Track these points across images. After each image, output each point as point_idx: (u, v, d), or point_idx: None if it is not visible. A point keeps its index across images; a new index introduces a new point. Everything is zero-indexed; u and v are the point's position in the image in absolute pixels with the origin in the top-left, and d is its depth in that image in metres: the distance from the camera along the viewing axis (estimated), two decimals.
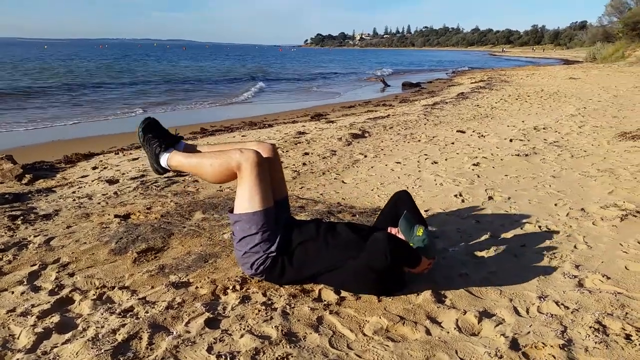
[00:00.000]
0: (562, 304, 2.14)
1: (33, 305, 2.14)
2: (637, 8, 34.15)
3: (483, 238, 3.01)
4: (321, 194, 4.08)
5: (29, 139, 8.23)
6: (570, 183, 4.19)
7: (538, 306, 2.14)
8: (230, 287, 2.32)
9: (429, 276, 2.41)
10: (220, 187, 4.15)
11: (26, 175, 4.59)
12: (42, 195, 4.01)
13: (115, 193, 4.05)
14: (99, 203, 3.76)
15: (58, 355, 1.77)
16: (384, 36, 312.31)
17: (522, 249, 2.83)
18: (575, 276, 2.43)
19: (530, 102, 10.71)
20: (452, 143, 6.29)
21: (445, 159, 5.32)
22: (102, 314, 2.06)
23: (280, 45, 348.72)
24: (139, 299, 2.20)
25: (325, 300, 2.23)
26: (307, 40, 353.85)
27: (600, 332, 1.91)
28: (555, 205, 3.61)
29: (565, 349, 1.80)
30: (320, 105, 13.77)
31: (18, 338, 1.90)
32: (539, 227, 3.17)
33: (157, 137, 2.48)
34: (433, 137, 6.78)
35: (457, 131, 7.19)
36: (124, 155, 6.16)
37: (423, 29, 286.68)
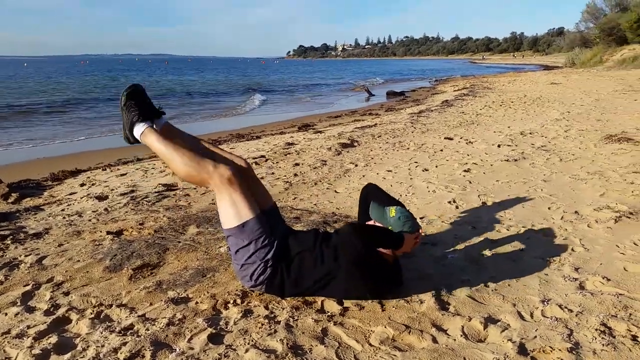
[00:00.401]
0: (566, 307, 2.14)
1: (29, 327, 2.08)
2: (612, 14, 34.91)
3: (481, 243, 3.01)
4: (315, 204, 4.06)
5: (12, 157, 8.09)
6: (562, 186, 4.22)
7: (542, 310, 2.14)
8: (231, 301, 2.28)
9: (430, 283, 2.40)
10: (213, 200, 4.10)
11: (12, 194, 4.50)
12: (30, 214, 3.93)
13: (106, 209, 3.98)
14: (90, 220, 3.69)
15: None
16: (366, 46, 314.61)
17: (520, 254, 2.83)
18: (576, 279, 2.43)
19: (515, 108, 10.83)
20: (441, 150, 6.32)
21: (436, 166, 5.34)
22: (101, 333, 2.01)
23: (262, 58, 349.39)
24: (138, 316, 2.15)
25: (328, 312, 2.20)
26: (289, 52, 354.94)
27: (606, 334, 1.91)
28: (549, 208, 3.63)
29: (574, 352, 1.80)
30: (307, 115, 13.78)
31: None
32: (535, 231, 3.19)
33: (139, 105, 2.44)
34: (422, 144, 6.80)
35: (445, 138, 7.23)
36: (111, 171, 6.08)
37: (404, 39, 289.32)
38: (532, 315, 2.11)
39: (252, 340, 1.94)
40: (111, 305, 2.27)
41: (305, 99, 21.20)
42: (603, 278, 2.41)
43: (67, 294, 2.40)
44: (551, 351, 1.80)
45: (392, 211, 2.29)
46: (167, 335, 1.99)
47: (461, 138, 7.16)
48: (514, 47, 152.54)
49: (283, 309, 2.22)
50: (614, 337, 1.89)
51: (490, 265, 2.68)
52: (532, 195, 4.00)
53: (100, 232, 3.34)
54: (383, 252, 2.23)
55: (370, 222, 2.40)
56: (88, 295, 2.37)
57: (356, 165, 5.57)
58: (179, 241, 3.11)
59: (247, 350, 1.87)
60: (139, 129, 2.41)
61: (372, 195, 2.56)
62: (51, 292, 2.41)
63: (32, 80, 34.38)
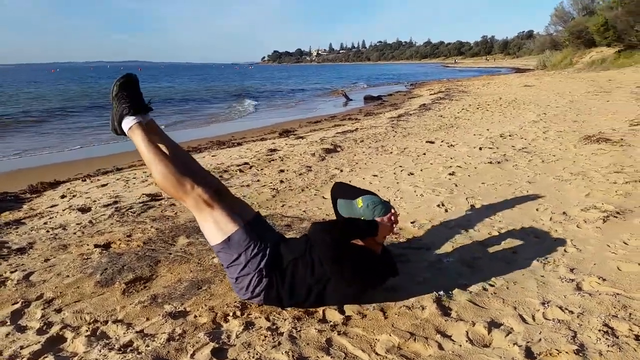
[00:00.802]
0: (566, 309, 2.16)
1: (22, 347, 2.00)
2: (579, 18, 35.78)
3: (474, 247, 3.02)
4: (304, 211, 4.03)
5: None
6: (547, 187, 4.28)
7: (543, 312, 2.15)
8: (231, 314, 2.23)
9: (429, 288, 2.40)
10: None
11: None
12: (11, 228, 3.81)
13: (91, 222, 3.88)
14: (75, 233, 3.59)
15: None
16: (340, 51, 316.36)
17: (514, 256, 2.85)
18: (572, 280, 2.46)
19: (492, 111, 10.98)
20: (424, 154, 6.36)
21: (421, 170, 5.37)
22: (99, 351, 1.94)
23: (236, 64, 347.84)
24: (136, 332, 2.09)
25: (330, 321, 2.17)
26: (264, 57, 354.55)
27: (609, 334, 1.93)
28: (537, 210, 3.68)
29: (580, 354, 1.81)
30: (287, 121, 13.74)
31: None
32: (526, 232, 3.22)
33: (130, 97, 2.44)
34: (404, 148, 6.84)
35: (427, 142, 7.28)
36: (91, 181, 5.94)
37: (377, 44, 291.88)
38: (534, 318, 2.12)
39: (257, 354, 1.90)
40: (107, 322, 2.20)
41: (283, 104, 21.15)
42: (599, 278, 2.44)
43: (59, 311, 2.32)
44: (558, 354, 1.81)
45: (359, 202, 2.26)
46: (168, 352, 1.93)
47: (442, 141, 7.22)
48: (485, 50, 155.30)
49: (284, 319, 2.18)
50: (617, 337, 1.91)
51: (486, 268, 2.69)
52: (518, 197, 4.05)
53: (87, 245, 3.25)
54: (365, 243, 2.20)
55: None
56: (81, 312, 2.30)
57: (341, 171, 5.56)
58: (169, 253, 3.05)
59: None
60: (128, 123, 2.41)
61: (338, 193, 2.53)
62: (42, 309, 2.33)
63: (0, 91, 33.49)
